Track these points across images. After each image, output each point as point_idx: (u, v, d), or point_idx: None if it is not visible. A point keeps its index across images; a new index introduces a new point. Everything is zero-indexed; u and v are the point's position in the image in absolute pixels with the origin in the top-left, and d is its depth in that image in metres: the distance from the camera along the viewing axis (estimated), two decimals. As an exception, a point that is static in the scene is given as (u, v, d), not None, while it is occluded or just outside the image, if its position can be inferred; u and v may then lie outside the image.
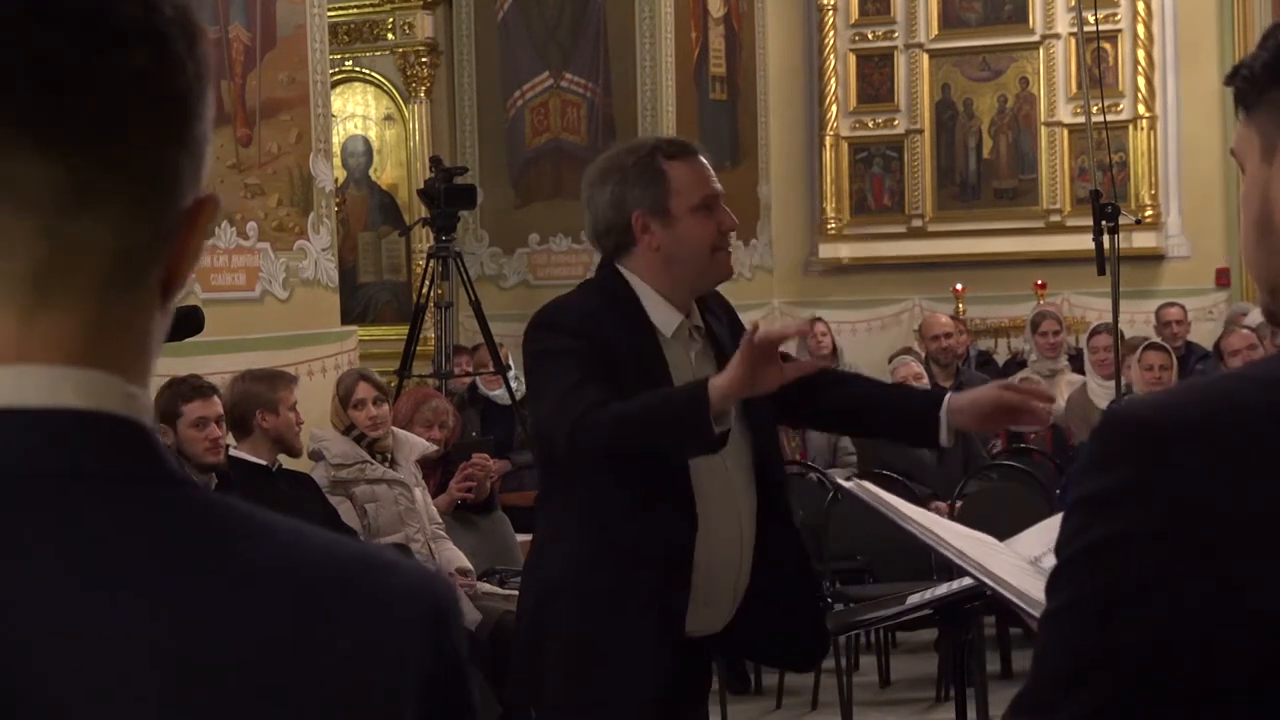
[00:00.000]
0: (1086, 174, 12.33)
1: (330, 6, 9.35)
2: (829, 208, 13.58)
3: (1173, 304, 10.94)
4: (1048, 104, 13.14)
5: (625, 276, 3.69)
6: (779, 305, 13.44)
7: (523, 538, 6.30)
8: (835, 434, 7.83)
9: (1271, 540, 1.25)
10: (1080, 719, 1.29)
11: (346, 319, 9.52)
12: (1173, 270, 12.87)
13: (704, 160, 3.74)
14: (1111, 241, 6.20)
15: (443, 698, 1.01)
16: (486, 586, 6.42)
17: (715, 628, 3.73)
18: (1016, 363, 11.12)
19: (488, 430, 9.12)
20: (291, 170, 8.53)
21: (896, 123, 13.52)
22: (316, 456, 6.43)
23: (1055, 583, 1.33)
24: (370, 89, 12.05)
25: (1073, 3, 11.92)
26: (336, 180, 9.95)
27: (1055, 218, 13.00)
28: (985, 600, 3.69)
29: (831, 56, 13.56)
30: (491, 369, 9.41)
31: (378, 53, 11.99)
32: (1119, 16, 12.79)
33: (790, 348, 11.44)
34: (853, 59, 13.61)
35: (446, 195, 9.13)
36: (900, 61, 13.50)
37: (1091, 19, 10.91)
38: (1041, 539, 2.97)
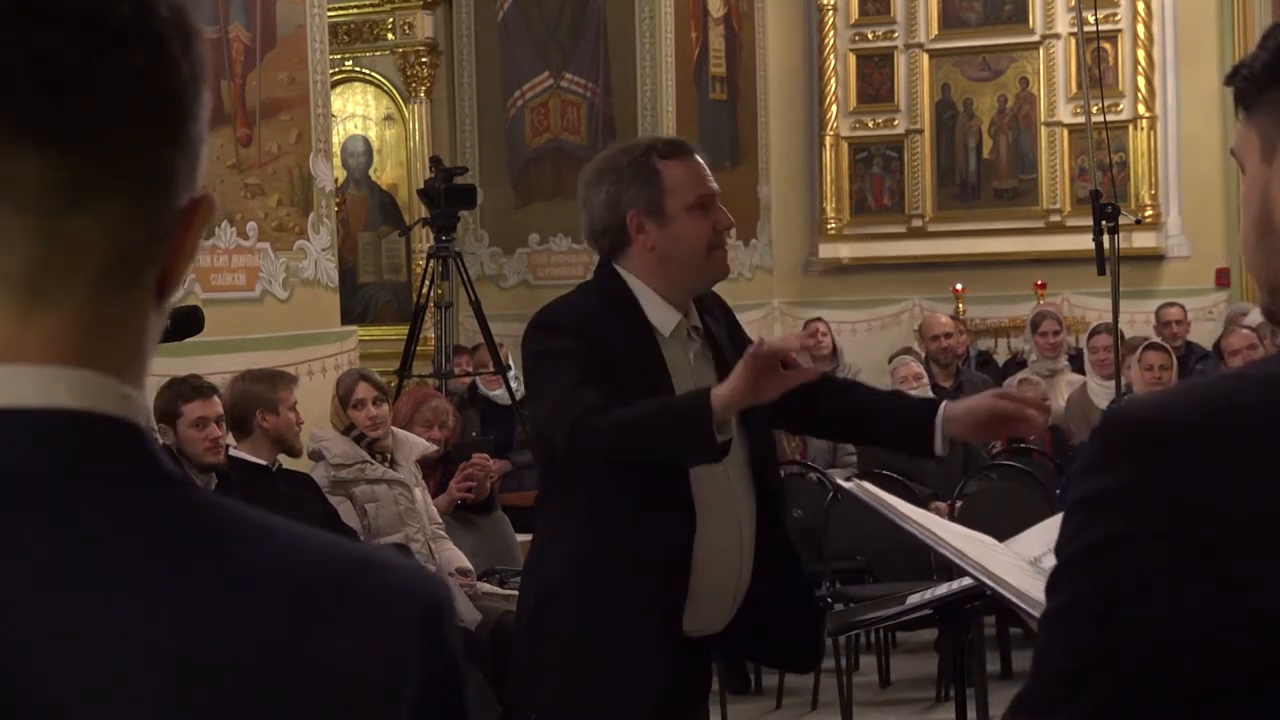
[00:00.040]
0: (1086, 174, 12.33)
1: (330, 6, 9.35)
2: (829, 208, 13.58)
3: (1173, 304, 10.94)
4: (1048, 104, 13.14)
5: (623, 276, 3.70)
6: (779, 305, 13.44)
7: (523, 538, 6.30)
8: (832, 441, 7.84)
9: (1271, 540, 1.25)
10: (1080, 719, 1.29)
11: (346, 319, 9.52)
12: (1173, 270, 12.87)
13: (699, 160, 3.74)
14: (1111, 241, 6.20)
15: (440, 698, 1.01)
16: (486, 586, 6.42)
17: (715, 628, 3.73)
18: (1016, 363, 11.12)
19: (488, 430, 9.12)
20: (291, 170, 8.53)
21: (896, 123, 13.52)
22: (316, 456, 6.43)
23: (1055, 583, 1.33)
24: (370, 89, 12.05)
25: (1073, 3, 11.92)
26: (336, 180, 9.95)
27: (1055, 218, 13.00)
28: (985, 600, 3.69)
29: (831, 56, 13.56)
30: (491, 369, 9.41)
31: (378, 53, 11.99)
32: (1119, 16, 12.79)
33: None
34: (853, 59, 13.61)
35: (446, 195, 9.13)
36: (900, 61, 13.50)
37: (1091, 19, 10.91)
38: (1041, 539, 2.97)
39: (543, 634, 3.67)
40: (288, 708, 0.97)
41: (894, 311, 13.40)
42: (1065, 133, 13.04)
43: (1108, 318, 6.64)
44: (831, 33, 13.54)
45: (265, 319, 8.31)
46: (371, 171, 12.06)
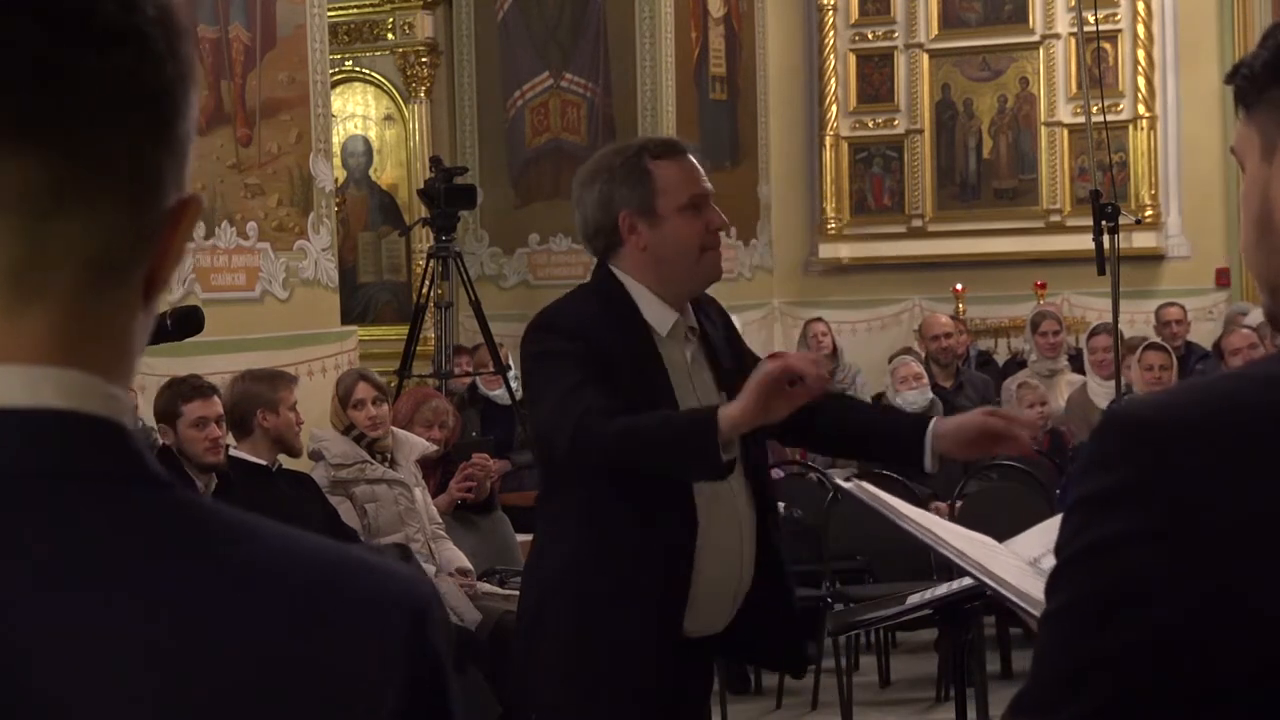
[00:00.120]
0: (1086, 174, 12.33)
1: (330, 6, 9.35)
2: (829, 208, 13.58)
3: (1173, 304, 10.94)
4: (1048, 104, 13.14)
5: (618, 277, 3.70)
6: (779, 305, 13.44)
7: (523, 538, 6.30)
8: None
9: (1271, 540, 1.25)
10: (1080, 719, 1.29)
11: (346, 319, 9.52)
12: (1173, 270, 12.87)
13: (693, 160, 3.74)
14: (1111, 241, 6.20)
15: (425, 700, 1.02)
16: (486, 586, 6.42)
17: (715, 628, 3.73)
18: (1016, 363, 11.11)
19: (488, 430, 9.12)
20: (291, 170, 8.53)
21: (896, 123, 13.52)
22: (316, 456, 6.43)
23: (1055, 583, 1.33)
24: (370, 89, 12.05)
25: (1073, 3, 11.92)
26: (336, 180, 9.96)
27: (1055, 218, 13.00)
28: (985, 600, 3.69)
29: (831, 56, 13.56)
30: (491, 369, 9.41)
31: (378, 53, 11.99)
32: (1119, 16, 12.79)
33: (790, 347, 11.45)
34: (853, 59, 13.61)
35: (446, 195, 9.13)
36: (900, 61, 13.50)
37: (1091, 19, 10.91)
38: (1041, 540, 2.96)
39: (543, 633, 3.67)
40: (288, 708, 0.97)
41: (894, 311, 13.40)
42: (1065, 133, 13.04)
43: (1108, 318, 6.64)
44: (831, 33, 13.54)
45: (265, 319, 8.31)
46: (371, 171, 12.06)
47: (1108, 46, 12.75)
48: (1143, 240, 12.31)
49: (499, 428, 9.24)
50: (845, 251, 13.60)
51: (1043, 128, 13.15)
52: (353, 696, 0.98)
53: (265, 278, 8.38)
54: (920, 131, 13.44)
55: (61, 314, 0.99)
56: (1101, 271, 6.19)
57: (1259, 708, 1.26)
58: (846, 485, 3.61)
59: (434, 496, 6.69)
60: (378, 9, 11.98)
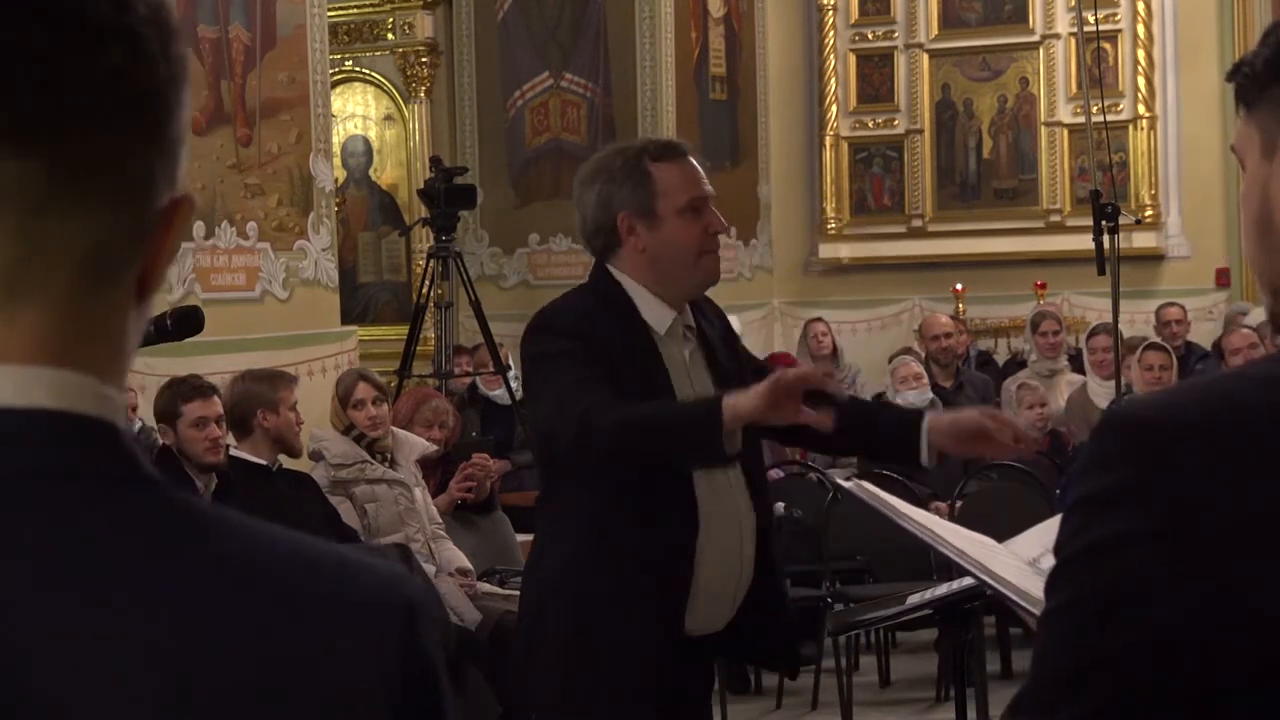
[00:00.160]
0: (1086, 174, 12.33)
1: (330, 6, 9.35)
2: (829, 208, 13.58)
3: (1173, 304, 10.94)
4: (1048, 104, 13.14)
5: (616, 277, 3.70)
6: (779, 305, 13.44)
7: (523, 538, 6.30)
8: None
9: (1271, 540, 1.25)
10: (1080, 719, 1.29)
11: (346, 319, 9.53)
12: (1173, 270, 12.87)
13: (694, 162, 3.74)
14: (1111, 241, 6.20)
15: (417, 699, 1.02)
16: (486, 586, 6.42)
17: (715, 627, 3.73)
18: (1016, 363, 11.11)
19: (488, 430, 9.12)
20: (291, 170, 8.53)
21: (896, 123, 13.52)
22: (316, 456, 6.43)
23: (1055, 582, 1.33)
24: (370, 89, 12.05)
25: (1073, 3, 11.92)
26: (336, 180, 9.96)
27: (1055, 218, 13.01)
28: (985, 600, 3.69)
29: (831, 56, 13.56)
30: (491, 369, 9.41)
31: (378, 53, 11.99)
32: (1119, 16, 12.79)
33: (790, 347, 11.46)
34: (853, 59, 13.61)
35: (446, 195, 9.13)
36: (900, 61, 13.50)
37: (1091, 19, 10.91)
38: (1040, 539, 2.96)
39: (543, 633, 3.67)
40: (288, 708, 0.97)
41: (894, 311, 13.40)
42: (1065, 133, 13.04)
43: (1108, 318, 6.64)
44: (831, 33, 13.54)
45: (265, 319, 8.32)
46: (371, 171, 12.06)
47: (1108, 46, 12.75)
48: (1143, 240, 12.31)
49: (499, 428, 9.24)
50: (845, 251, 13.60)
51: (1043, 128, 13.15)
52: (351, 696, 0.99)
53: (265, 278, 8.38)
54: (920, 131, 13.44)
55: (54, 314, 0.99)
56: (1101, 271, 6.20)
57: (1259, 708, 1.26)
58: (846, 485, 3.61)
59: (434, 496, 6.68)
60: (378, 9, 11.98)
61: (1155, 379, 8.11)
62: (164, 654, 0.95)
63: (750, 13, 12.98)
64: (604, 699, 3.63)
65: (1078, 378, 9.56)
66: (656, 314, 3.69)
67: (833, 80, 13.55)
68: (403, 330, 9.85)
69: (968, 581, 3.29)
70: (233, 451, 5.94)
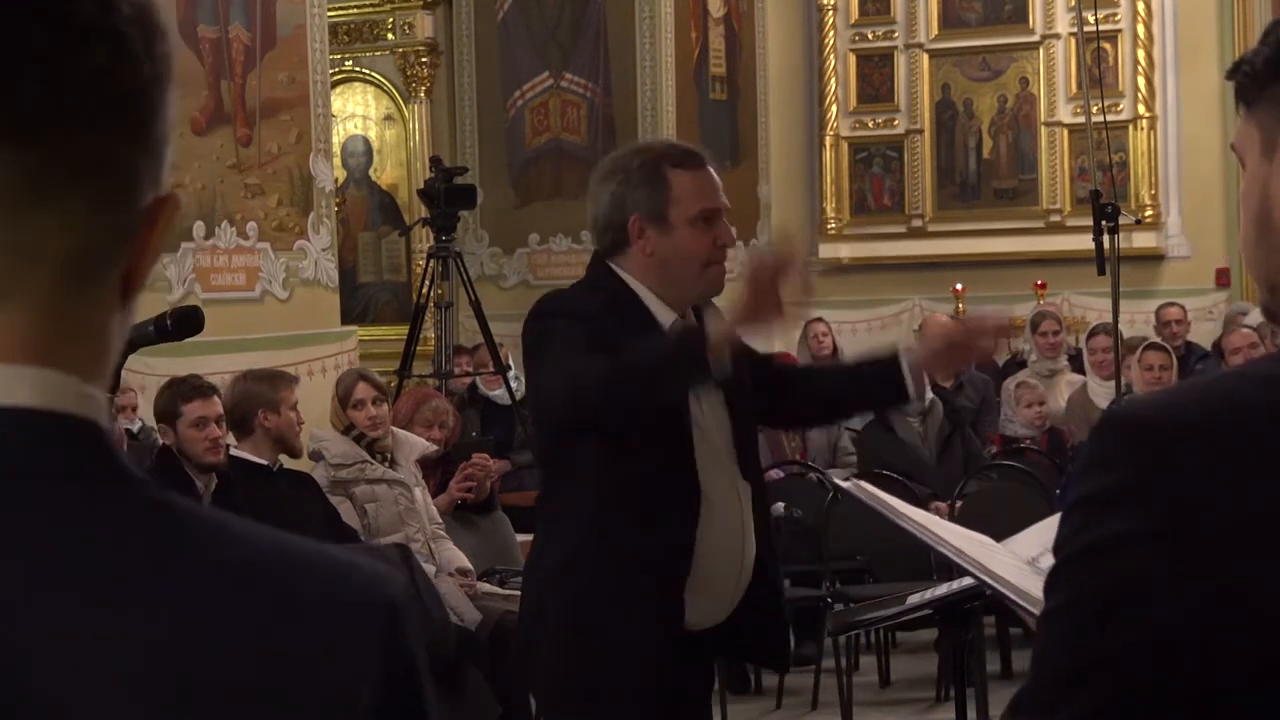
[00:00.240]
0: (1086, 174, 12.33)
1: (330, 6, 9.36)
2: (829, 208, 13.59)
3: (1173, 304, 10.94)
4: (1048, 104, 13.14)
5: (620, 275, 3.70)
6: (779, 305, 13.42)
7: (523, 538, 6.30)
8: (816, 427, 7.83)
9: (1271, 540, 1.25)
10: (1080, 719, 1.28)
11: (346, 319, 9.53)
12: (1173, 270, 12.87)
13: (712, 173, 3.74)
14: (1111, 241, 6.21)
15: (400, 698, 1.02)
16: (486, 586, 6.42)
17: (716, 620, 3.73)
18: (1016, 363, 11.11)
19: (488, 430, 9.13)
20: (291, 170, 8.53)
21: (896, 123, 13.52)
22: (316, 456, 6.42)
23: (1054, 582, 1.33)
24: (370, 89, 12.06)
25: (1073, 3, 11.92)
26: (336, 180, 9.96)
27: (1055, 218, 13.01)
28: (985, 600, 3.69)
29: (831, 56, 13.56)
30: (491, 369, 9.41)
31: (378, 53, 12.00)
32: (1119, 16, 12.80)
33: (790, 348, 11.45)
34: (853, 59, 13.62)
35: (446, 195, 9.13)
36: (900, 61, 13.51)
37: (1091, 19, 10.91)
38: (1039, 539, 2.96)
39: (543, 633, 3.67)
40: (287, 708, 0.97)
41: (894, 311, 13.40)
42: (1065, 133, 13.05)
43: (1108, 318, 6.64)
44: (831, 33, 13.54)
45: (265, 319, 8.32)
46: (371, 171, 12.07)
47: (1108, 46, 12.76)
48: (1143, 240, 12.31)
49: (499, 428, 9.24)
50: (845, 251, 13.61)
51: (1043, 128, 13.15)
52: (347, 695, 0.99)
53: (265, 278, 8.38)
54: (920, 131, 13.45)
55: (37, 313, 0.99)
56: (1101, 271, 6.20)
57: (1259, 708, 1.26)
58: (846, 485, 3.62)
59: (434, 496, 6.68)
60: (378, 9, 11.99)
61: (1155, 379, 8.10)
62: (164, 654, 0.95)
63: (750, 13, 12.98)
64: (604, 698, 3.63)
65: (1078, 378, 9.55)
66: (659, 315, 3.69)
67: (833, 80, 13.55)
68: (403, 330, 9.85)
69: (968, 581, 3.29)
70: (233, 451, 5.94)
